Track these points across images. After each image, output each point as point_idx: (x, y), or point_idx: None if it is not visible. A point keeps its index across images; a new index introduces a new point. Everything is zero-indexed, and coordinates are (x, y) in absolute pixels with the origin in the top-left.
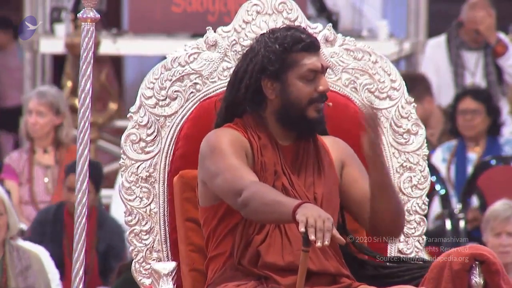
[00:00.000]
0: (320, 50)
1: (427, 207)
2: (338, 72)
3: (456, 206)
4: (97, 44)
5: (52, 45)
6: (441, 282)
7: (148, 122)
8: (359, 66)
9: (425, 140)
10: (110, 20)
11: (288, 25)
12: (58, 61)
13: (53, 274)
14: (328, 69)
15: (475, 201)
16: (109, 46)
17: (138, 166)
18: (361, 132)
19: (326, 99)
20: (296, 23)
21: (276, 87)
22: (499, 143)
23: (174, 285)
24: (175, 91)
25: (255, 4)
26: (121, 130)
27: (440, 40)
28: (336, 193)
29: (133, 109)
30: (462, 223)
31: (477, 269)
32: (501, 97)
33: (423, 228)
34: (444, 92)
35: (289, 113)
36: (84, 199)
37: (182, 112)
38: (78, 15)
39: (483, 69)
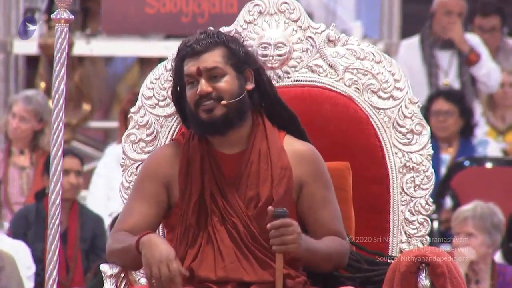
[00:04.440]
0: (205, 53)
1: (430, 207)
2: (340, 72)
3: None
4: (70, 45)
5: (26, 46)
6: (393, 284)
7: (148, 122)
8: (362, 66)
9: (429, 140)
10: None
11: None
12: (32, 62)
13: (31, 274)
14: (332, 68)
15: (448, 202)
16: (82, 47)
17: (138, 166)
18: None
19: (216, 99)
20: (298, 23)
21: (184, 96)
22: (472, 144)
23: (126, 285)
24: None
25: (256, 4)
26: (94, 131)
27: (414, 41)
28: (288, 206)
29: (133, 109)
30: (435, 224)
31: (424, 271)
32: (474, 97)
33: (427, 228)
34: (417, 92)
35: (191, 119)
36: (58, 200)
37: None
38: (51, 16)
39: (457, 68)
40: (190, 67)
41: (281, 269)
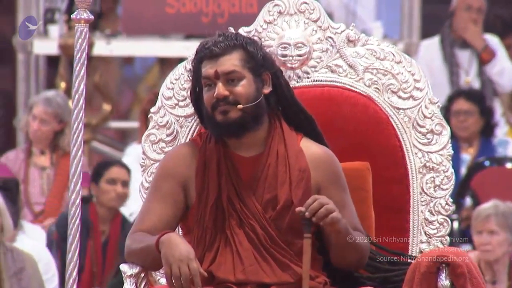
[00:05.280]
0: (223, 56)
1: (450, 207)
2: (360, 72)
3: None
4: (90, 45)
5: (46, 46)
6: (413, 284)
7: (167, 122)
8: (382, 66)
9: (449, 141)
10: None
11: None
12: (52, 62)
13: (51, 275)
14: (352, 68)
15: (468, 202)
16: (102, 47)
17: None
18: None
19: (232, 103)
20: (318, 23)
21: (201, 97)
22: (492, 144)
23: (146, 285)
24: None
25: (276, 5)
26: (114, 131)
27: (434, 41)
28: None
29: (153, 109)
30: (455, 224)
31: (444, 271)
32: (494, 97)
33: (447, 228)
34: (439, 92)
35: (207, 120)
36: (78, 200)
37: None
38: (71, 16)
39: (477, 67)
40: (208, 69)
41: (308, 252)
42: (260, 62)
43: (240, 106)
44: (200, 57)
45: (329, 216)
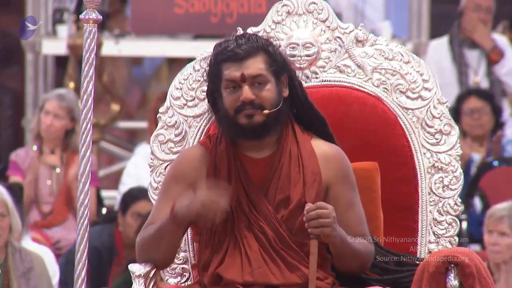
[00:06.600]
0: (248, 58)
1: (459, 208)
2: (369, 73)
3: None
4: (99, 45)
5: (55, 46)
6: (422, 284)
7: (176, 122)
8: (391, 66)
9: (458, 141)
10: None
11: (234, 36)
12: (61, 63)
13: (53, 273)
14: (361, 69)
15: (477, 202)
16: (111, 47)
17: (166, 166)
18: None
19: (257, 107)
20: (327, 23)
21: (218, 99)
22: (501, 143)
23: (154, 285)
24: (203, 92)
25: (285, 5)
26: (123, 131)
27: (443, 41)
28: None
29: (162, 109)
30: (464, 225)
31: (453, 271)
32: (503, 97)
33: (455, 229)
34: (448, 92)
35: (227, 122)
36: (86, 201)
37: (209, 112)
38: (80, 16)
39: (486, 67)
40: (232, 72)
41: (315, 254)
42: (281, 65)
43: (266, 112)
44: (222, 59)
45: (320, 229)
